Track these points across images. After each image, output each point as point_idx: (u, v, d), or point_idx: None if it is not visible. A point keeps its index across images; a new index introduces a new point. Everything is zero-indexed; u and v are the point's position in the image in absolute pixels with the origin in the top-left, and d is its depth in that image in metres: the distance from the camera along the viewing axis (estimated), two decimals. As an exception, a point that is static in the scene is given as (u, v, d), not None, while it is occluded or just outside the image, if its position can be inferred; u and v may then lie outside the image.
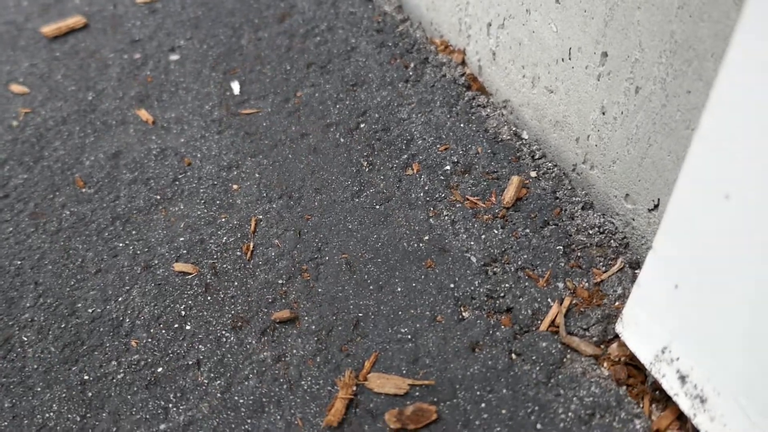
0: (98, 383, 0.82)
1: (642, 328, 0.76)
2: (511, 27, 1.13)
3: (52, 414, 0.79)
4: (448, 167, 1.04)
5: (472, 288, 0.87)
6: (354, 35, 1.36)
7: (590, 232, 0.92)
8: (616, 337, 0.82)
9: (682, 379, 0.71)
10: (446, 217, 0.96)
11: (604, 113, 0.95)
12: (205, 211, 1.03)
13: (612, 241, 0.92)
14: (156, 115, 1.23)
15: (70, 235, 1.02)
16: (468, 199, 0.99)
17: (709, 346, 0.67)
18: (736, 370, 0.65)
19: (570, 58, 1.00)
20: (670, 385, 0.73)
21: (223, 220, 1.01)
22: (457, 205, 0.98)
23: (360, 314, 0.86)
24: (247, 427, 0.76)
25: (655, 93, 0.83)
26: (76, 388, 0.82)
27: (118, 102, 1.26)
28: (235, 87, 1.26)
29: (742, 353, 0.64)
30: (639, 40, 0.84)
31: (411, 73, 1.24)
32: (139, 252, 0.98)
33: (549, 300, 0.84)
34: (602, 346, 0.80)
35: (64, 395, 0.81)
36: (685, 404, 0.71)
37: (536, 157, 1.05)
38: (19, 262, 0.98)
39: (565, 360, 0.78)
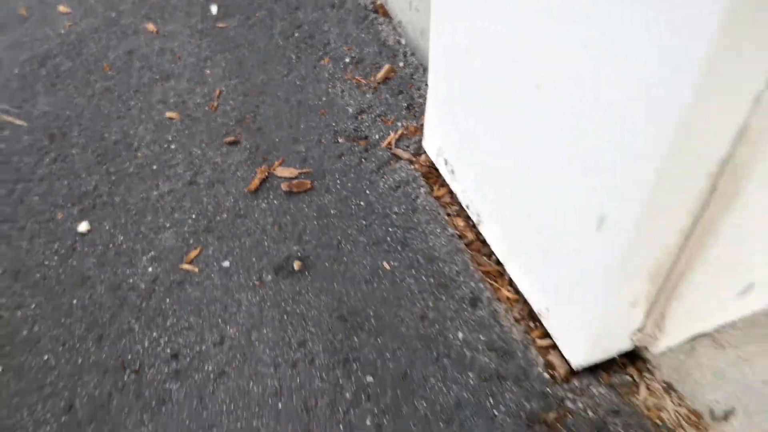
0: (118, 173, 1.35)
1: (430, 136, 1.27)
2: (399, -33, 1.63)
3: (90, 187, 1.33)
4: (347, 59, 1.55)
5: (346, 126, 1.39)
6: (302, -24, 1.87)
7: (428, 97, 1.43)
8: (426, 153, 1.33)
9: (446, 162, 1.23)
10: (339, 88, 1.47)
11: (443, 23, 1.45)
12: (187, 84, 1.55)
13: (442, 104, 1.43)
14: (159, 27, 1.74)
15: (100, 98, 1.54)
16: (355, 79, 1.50)
17: (454, 140, 1.18)
18: (465, 152, 1.16)
19: (426, -13, 1.50)
20: (442, 169, 1.25)
21: (198, 90, 1.53)
22: (348, 82, 1.49)
23: (277, 140, 1.39)
24: (203, 194, 1.29)
25: None
26: (105, 175, 1.35)
27: (132, 18, 1.78)
28: (214, 9, 1.77)
29: (467, 142, 1.14)
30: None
31: (336, 1, 1.74)
32: (144, 107, 1.50)
33: (390, 132, 1.36)
34: (416, 157, 1.32)
35: (98, 178, 1.35)
36: (448, 177, 1.23)
37: (407, 55, 1.55)
38: (67, 113, 1.51)
39: (391, 161, 1.30)
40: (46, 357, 1.07)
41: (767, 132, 0.65)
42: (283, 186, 1.27)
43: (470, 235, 1.19)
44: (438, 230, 1.17)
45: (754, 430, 0.91)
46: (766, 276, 0.93)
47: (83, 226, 1.24)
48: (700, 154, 0.67)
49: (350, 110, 1.41)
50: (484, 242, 1.17)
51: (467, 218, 1.21)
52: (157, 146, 1.40)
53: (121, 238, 1.22)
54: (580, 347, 0.96)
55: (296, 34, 1.64)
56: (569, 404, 0.95)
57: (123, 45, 1.69)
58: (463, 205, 1.21)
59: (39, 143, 1.43)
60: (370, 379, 1.00)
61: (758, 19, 0.55)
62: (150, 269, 1.17)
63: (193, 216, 1.25)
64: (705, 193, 0.72)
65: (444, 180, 1.26)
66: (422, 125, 1.37)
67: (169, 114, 1.47)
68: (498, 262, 1.14)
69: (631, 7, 0.63)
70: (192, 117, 1.46)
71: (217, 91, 1.51)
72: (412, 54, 1.55)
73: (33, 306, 1.14)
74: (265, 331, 1.07)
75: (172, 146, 1.40)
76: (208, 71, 1.58)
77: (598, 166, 0.77)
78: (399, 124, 1.37)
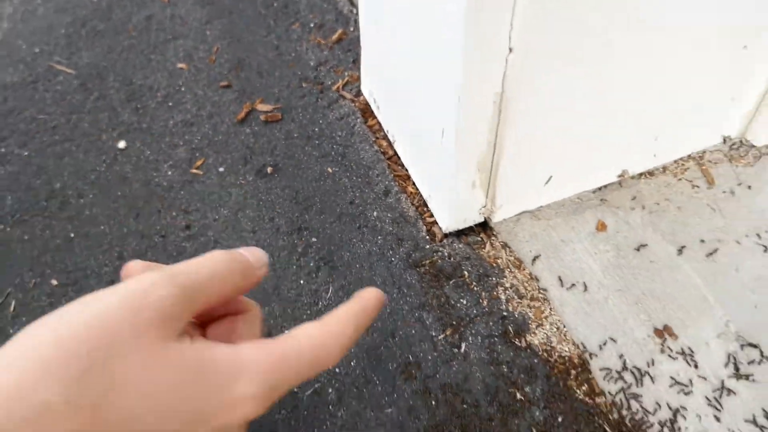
0: (144, 108, 1.81)
1: (364, 81, 1.72)
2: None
3: (124, 118, 1.79)
4: (312, 25, 1.99)
5: (308, 75, 1.84)
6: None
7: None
8: (363, 94, 1.79)
9: (375, 100, 1.69)
10: (304, 47, 1.92)
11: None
12: (193, 43, 1.99)
13: (380, 59, 1.88)
14: (170, -3, 2.18)
15: (128, 53, 1.99)
16: (317, 39, 1.94)
17: (378, 84, 1.64)
18: (384, 92, 1.62)
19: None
20: (372, 105, 1.71)
21: (201, 47, 1.98)
22: (311, 42, 1.94)
23: (258, 85, 1.84)
24: (205, 122, 1.75)
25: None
26: (134, 109, 1.81)
27: (149, -10, 2.21)
28: (212, -17, 2.21)
29: (384, 85, 1.60)
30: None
31: (307, -22, 2.17)
32: (160, 59, 1.95)
33: (339, 79, 1.81)
34: (356, 97, 1.78)
35: (129, 111, 1.80)
36: (376, 111, 1.69)
37: (356, 21, 1.99)
38: (104, 64, 1.96)
39: (338, 100, 1.76)
40: (102, 227, 1.55)
41: (517, 77, 1.11)
42: (262, 117, 1.73)
43: (390, 152, 1.66)
44: (367, 147, 1.64)
45: (550, 267, 1.40)
46: (560, 171, 1.41)
47: (122, 144, 1.71)
48: (483, 88, 1.13)
49: (312, 63, 1.86)
50: (398, 156, 1.64)
51: (387, 140, 1.67)
52: (171, 89, 1.86)
53: (148, 152, 1.69)
54: (447, 219, 1.44)
55: (275, 4, 2.07)
56: (440, 254, 1.44)
57: (142, 11, 2.12)
58: (385, 131, 1.67)
59: (85, 86, 1.89)
60: (314, 239, 1.49)
61: (488, 18, 1.01)
62: (169, 173, 1.65)
63: (198, 137, 1.72)
64: (495, 113, 1.19)
65: (374, 113, 1.73)
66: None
67: (179, 65, 1.92)
68: (406, 169, 1.61)
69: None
70: (197, 67, 1.91)
71: (215, 48, 1.96)
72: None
73: (91, 196, 1.62)
74: (247, 212, 1.55)
75: (182, 89, 1.85)
76: (208, 32, 2.02)
77: (436, 97, 1.23)
78: (346, 73, 1.82)
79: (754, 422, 1.16)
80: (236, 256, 0.39)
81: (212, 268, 0.38)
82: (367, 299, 0.42)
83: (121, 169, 1.65)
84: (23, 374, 0.27)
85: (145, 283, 0.33)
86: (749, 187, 1.49)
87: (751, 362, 1.23)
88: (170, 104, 1.80)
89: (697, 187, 1.51)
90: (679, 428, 1.17)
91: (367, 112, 1.73)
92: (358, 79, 1.80)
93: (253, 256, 0.41)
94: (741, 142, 1.57)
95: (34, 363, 0.28)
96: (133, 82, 1.88)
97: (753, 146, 1.56)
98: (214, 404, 0.34)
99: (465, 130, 1.18)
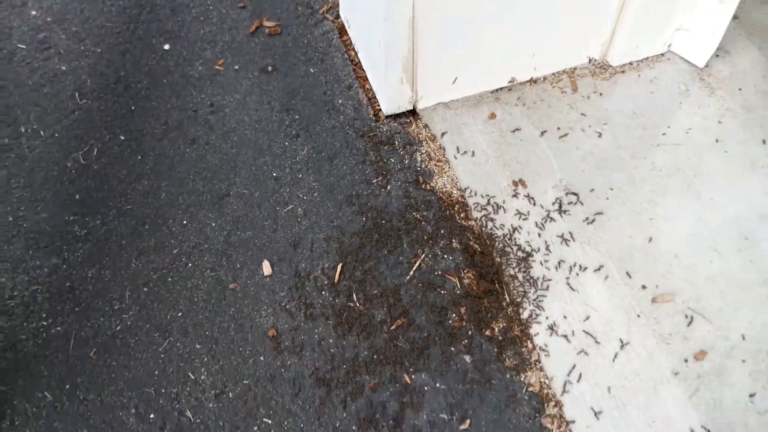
0: (183, 21, 2.38)
1: (341, 7, 2.24)
2: None
3: (168, 27, 2.36)
4: (308, -38, 2.51)
5: (303, 0, 2.39)
6: None
7: None
8: (341, 17, 2.33)
9: (347, 21, 2.23)
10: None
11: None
12: (219, -27, 2.54)
13: None
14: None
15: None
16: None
17: (349, 8, 2.17)
18: (352, 14, 2.16)
19: None
20: (346, 25, 2.25)
21: (225, -24, 2.53)
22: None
23: (265, 7, 2.38)
24: (226, 33, 2.32)
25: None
26: (176, 22, 2.38)
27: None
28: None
29: (352, 8, 2.14)
30: None
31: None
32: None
33: (324, 5, 2.34)
34: (335, 19, 2.32)
35: (171, 23, 2.37)
36: (348, 28, 2.24)
37: (343, -39, 2.50)
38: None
39: (323, 21, 2.29)
40: (153, 103, 2.14)
41: (423, 3, 1.66)
42: (267, 30, 2.30)
43: (356, 59, 2.22)
44: (339, 56, 2.21)
45: (452, 140, 1.99)
46: (463, 74, 1.97)
47: (167, 46, 2.28)
48: (399, 12, 1.67)
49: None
50: (360, 62, 2.20)
51: (354, 51, 2.23)
52: (203, 7, 2.41)
53: (185, 52, 2.27)
54: (386, 106, 2.01)
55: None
56: (380, 129, 2.03)
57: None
58: (353, 44, 2.23)
59: (139, 2, 2.45)
60: (297, 117, 2.08)
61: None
62: (200, 68, 2.23)
63: (221, 44, 2.29)
64: (411, 30, 1.74)
65: (347, 31, 2.28)
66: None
67: (208, -11, 2.46)
68: (364, 71, 2.18)
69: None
70: (221, -8, 2.45)
71: (235, -23, 2.50)
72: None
73: (145, 82, 2.18)
74: (253, 97, 2.14)
75: (210, 8, 2.40)
76: (230, -35, 2.55)
77: (375, 19, 1.77)
78: (330, 0, 2.37)
79: (562, 237, 1.77)
80: None
81: None
82: None
83: (166, 64, 2.24)
84: None
85: None
86: (601, 94, 2.04)
87: (570, 203, 1.82)
88: (201, 19, 2.37)
89: (565, 92, 2.06)
90: (515, 238, 1.78)
91: (342, 30, 2.28)
92: (338, 5, 2.34)
93: None
94: (603, 62, 2.11)
95: None
96: (174, 1, 2.45)
97: (611, 66, 2.10)
98: None
99: (390, 41, 1.74)
